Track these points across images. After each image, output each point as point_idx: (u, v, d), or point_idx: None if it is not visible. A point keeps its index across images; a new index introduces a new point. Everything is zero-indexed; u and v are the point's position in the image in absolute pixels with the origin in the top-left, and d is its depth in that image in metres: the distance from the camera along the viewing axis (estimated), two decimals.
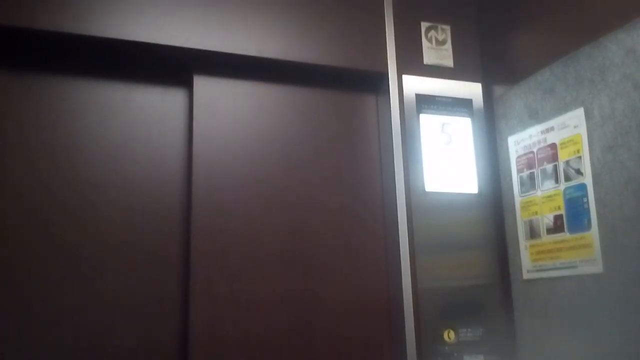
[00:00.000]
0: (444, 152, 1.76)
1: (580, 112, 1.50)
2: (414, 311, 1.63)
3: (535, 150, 1.65)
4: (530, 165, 1.66)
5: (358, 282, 1.69)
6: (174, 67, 1.65)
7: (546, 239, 1.59)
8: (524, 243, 1.67)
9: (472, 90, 1.85)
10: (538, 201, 1.63)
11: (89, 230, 1.50)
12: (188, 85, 1.66)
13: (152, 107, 1.64)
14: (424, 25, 1.84)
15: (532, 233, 1.64)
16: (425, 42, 1.83)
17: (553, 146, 1.58)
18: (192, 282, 1.52)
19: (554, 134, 1.58)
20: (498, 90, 1.83)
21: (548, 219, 1.59)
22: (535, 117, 1.65)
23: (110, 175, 1.55)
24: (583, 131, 1.48)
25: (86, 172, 1.53)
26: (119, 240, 1.52)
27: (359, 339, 1.65)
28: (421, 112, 1.77)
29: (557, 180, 1.57)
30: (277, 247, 1.62)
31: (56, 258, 1.46)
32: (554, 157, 1.58)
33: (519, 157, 1.71)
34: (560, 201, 1.55)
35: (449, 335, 1.65)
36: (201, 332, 1.50)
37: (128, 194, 1.56)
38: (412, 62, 1.80)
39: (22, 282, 1.42)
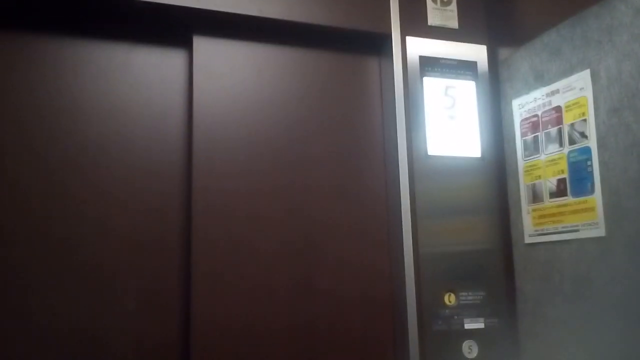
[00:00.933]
0: (447, 116, 1.74)
1: (586, 74, 1.47)
2: (414, 274, 1.63)
3: (539, 113, 1.62)
4: (534, 129, 1.64)
5: (359, 244, 1.69)
6: (173, 27, 1.62)
7: (549, 203, 1.58)
8: (526, 207, 1.66)
9: (477, 52, 1.81)
10: (541, 165, 1.61)
11: (91, 191, 1.50)
12: (188, 46, 1.64)
13: (151, 68, 1.62)
14: None
15: (535, 197, 1.63)
16: (429, 3, 1.79)
17: (558, 109, 1.56)
18: (193, 242, 1.52)
19: (559, 97, 1.56)
20: (503, 52, 1.79)
21: (551, 183, 1.58)
22: (541, 79, 1.63)
23: (110, 136, 1.54)
24: (589, 93, 1.46)
25: (86, 132, 1.52)
26: (120, 202, 1.52)
27: (360, 302, 1.66)
28: (425, 75, 1.74)
29: (561, 144, 1.55)
30: (277, 206, 1.62)
31: (53, 226, 1.46)
32: (559, 120, 1.56)
33: (523, 120, 1.69)
34: (564, 165, 1.54)
35: (450, 299, 1.65)
36: (202, 320, 1.50)
37: (128, 155, 1.55)
38: (416, 23, 1.77)
39: (23, 237, 1.43)
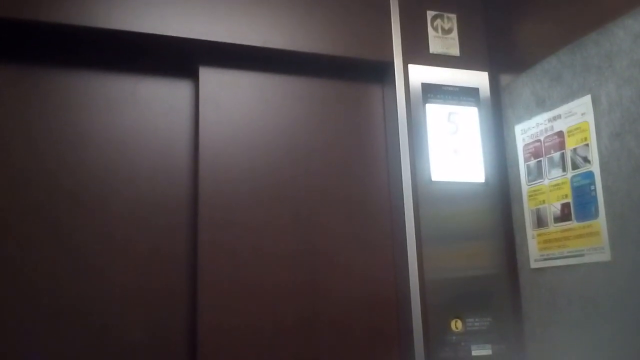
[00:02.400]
0: (450, 142, 1.76)
1: (587, 99, 1.49)
2: (421, 301, 1.63)
3: (542, 138, 1.64)
4: (537, 154, 1.65)
5: (365, 272, 1.69)
6: (179, 58, 1.65)
7: (553, 227, 1.59)
8: (531, 232, 1.67)
9: (478, 79, 1.84)
10: (545, 190, 1.62)
11: (96, 222, 1.51)
12: (194, 77, 1.67)
13: (158, 99, 1.64)
14: (429, 14, 1.83)
15: (540, 222, 1.63)
16: (431, 31, 1.82)
17: (560, 134, 1.57)
18: (199, 274, 1.53)
19: (561, 122, 1.57)
20: (505, 78, 1.82)
21: (555, 208, 1.58)
22: (542, 105, 1.64)
23: (117, 167, 1.56)
24: (590, 118, 1.47)
25: (93, 164, 1.54)
26: (126, 232, 1.53)
27: (366, 330, 1.66)
28: (427, 102, 1.76)
29: (564, 169, 1.56)
30: (283, 238, 1.63)
31: (63, 250, 1.47)
32: (561, 145, 1.57)
33: (526, 145, 1.70)
34: (567, 189, 1.54)
35: (457, 325, 1.64)
36: (209, 325, 1.50)
37: (135, 186, 1.56)
38: (418, 51, 1.79)
39: (29, 276, 1.44)
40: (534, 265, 1.65)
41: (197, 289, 1.52)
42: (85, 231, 1.50)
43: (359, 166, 1.76)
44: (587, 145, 1.48)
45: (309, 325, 1.60)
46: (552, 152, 1.60)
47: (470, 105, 1.80)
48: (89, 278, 1.48)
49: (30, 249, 1.45)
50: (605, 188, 1.42)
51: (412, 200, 1.68)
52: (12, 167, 1.47)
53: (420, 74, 1.77)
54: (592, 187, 1.46)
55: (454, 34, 1.85)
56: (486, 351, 1.64)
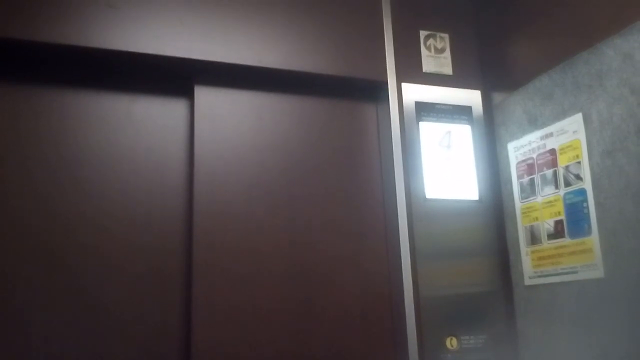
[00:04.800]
0: (444, 159, 1.77)
1: (578, 117, 1.50)
2: (415, 319, 1.63)
3: (534, 156, 1.65)
4: (530, 171, 1.67)
5: (359, 290, 1.69)
6: (175, 77, 1.66)
7: (547, 244, 1.59)
8: (525, 249, 1.67)
9: (471, 97, 1.86)
10: (538, 207, 1.63)
11: (91, 241, 1.51)
12: (189, 96, 1.68)
13: (153, 117, 1.65)
14: (422, 33, 1.86)
15: (533, 239, 1.64)
16: (424, 51, 1.84)
17: (552, 152, 1.59)
18: (193, 292, 1.52)
19: (553, 140, 1.59)
20: (497, 97, 1.84)
21: (549, 225, 1.59)
22: (535, 123, 1.66)
23: (112, 187, 1.56)
24: (582, 136, 1.49)
25: (89, 182, 1.54)
26: (121, 250, 1.53)
27: (361, 348, 1.65)
28: (421, 120, 1.78)
29: (557, 186, 1.57)
30: (278, 255, 1.63)
31: (59, 268, 1.47)
32: (554, 163, 1.58)
33: (518, 163, 1.71)
34: (560, 206, 1.55)
35: (452, 343, 1.64)
36: (203, 344, 1.50)
37: (130, 204, 1.56)
38: (411, 71, 1.81)
39: (23, 296, 1.43)
40: (528, 282, 1.65)
41: (191, 307, 1.51)
42: (79, 250, 1.49)
43: (353, 184, 1.77)
44: (579, 162, 1.50)
45: (304, 344, 1.59)
46: (545, 169, 1.61)
47: (463, 123, 1.82)
48: (81, 297, 1.47)
49: (21, 267, 1.44)
50: (597, 205, 1.43)
51: (406, 218, 1.69)
52: (5, 186, 1.47)
53: (414, 92, 1.79)
54: (585, 204, 1.47)
55: (447, 53, 1.87)
56: None
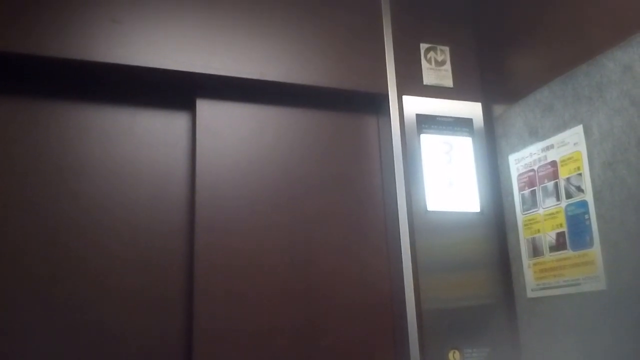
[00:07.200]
0: (445, 172, 1.77)
1: (579, 129, 1.51)
2: (418, 332, 1.62)
3: (536, 168, 1.65)
4: (531, 183, 1.67)
5: (361, 302, 1.69)
6: (177, 91, 1.67)
7: (549, 256, 1.59)
8: (527, 261, 1.67)
9: (472, 109, 1.86)
10: (540, 219, 1.63)
11: (95, 253, 1.51)
12: (191, 109, 1.68)
13: (155, 130, 1.66)
14: (423, 46, 1.87)
15: (535, 251, 1.64)
16: (424, 63, 1.85)
17: (553, 164, 1.59)
18: (195, 303, 1.52)
19: (554, 152, 1.59)
20: (498, 109, 1.84)
21: (550, 237, 1.59)
22: (535, 135, 1.66)
23: (114, 200, 1.56)
24: (583, 148, 1.49)
25: (90, 196, 1.54)
26: (124, 262, 1.53)
27: None
28: (422, 132, 1.78)
29: (558, 198, 1.57)
30: (279, 273, 1.62)
31: (62, 280, 1.47)
32: (555, 175, 1.58)
33: (520, 175, 1.71)
34: (562, 219, 1.55)
35: (455, 356, 1.63)
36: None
37: (133, 217, 1.57)
38: (412, 83, 1.82)
39: (21, 310, 1.43)
40: (530, 294, 1.65)
41: (193, 298, 1.51)
42: (80, 264, 1.49)
43: (354, 197, 1.77)
44: (580, 174, 1.50)
45: (306, 358, 1.59)
46: (546, 181, 1.61)
47: (464, 136, 1.82)
48: (86, 306, 1.47)
49: (28, 276, 1.44)
50: (599, 217, 1.43)
51: (407, 231, 1.68)
52: (10, 198, 1.48)
53: (415, 105, 1.80)
54: (587, 216, 1.47)
55: (447, 65, 1.88)
56: None
